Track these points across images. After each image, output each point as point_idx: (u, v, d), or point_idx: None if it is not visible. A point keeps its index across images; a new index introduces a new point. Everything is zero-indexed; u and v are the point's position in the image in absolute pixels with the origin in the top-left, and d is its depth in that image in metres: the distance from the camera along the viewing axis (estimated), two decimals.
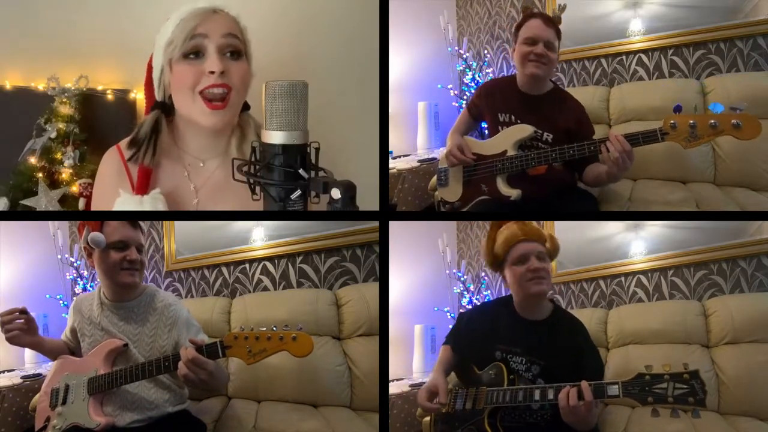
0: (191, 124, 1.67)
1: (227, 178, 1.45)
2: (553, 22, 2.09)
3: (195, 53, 1.58)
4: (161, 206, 1.64)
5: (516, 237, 1.84)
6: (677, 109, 1.79)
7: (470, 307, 2.80)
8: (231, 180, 1.44)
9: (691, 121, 1.75)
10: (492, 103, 2.19)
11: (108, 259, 1.86)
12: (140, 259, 1.90)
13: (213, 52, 1.57)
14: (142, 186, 1.68)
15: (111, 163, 1.75)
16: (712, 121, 1.73)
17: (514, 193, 2.07)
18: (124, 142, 1.75)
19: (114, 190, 1.68)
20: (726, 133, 1.73)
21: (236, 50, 1.60)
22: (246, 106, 1.74)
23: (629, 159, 1.86)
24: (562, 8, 2.13)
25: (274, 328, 1.63)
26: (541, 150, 2.03)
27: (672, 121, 1.78)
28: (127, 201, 1.65)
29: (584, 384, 1.57)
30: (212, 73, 1.56)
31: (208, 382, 1.69)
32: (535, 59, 2.06)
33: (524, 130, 2.08)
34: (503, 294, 2.77)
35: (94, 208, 1.85)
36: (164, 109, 1.70)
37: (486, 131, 2.36)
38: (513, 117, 2.13)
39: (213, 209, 1.73)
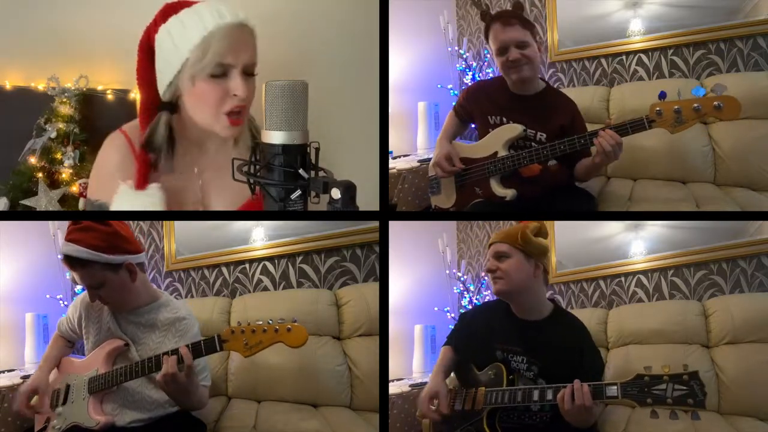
0: (204, 131, 1.71)
1: (227, 160, 1.46)
2: (515, 17, 2.04)
3: (221, 75, 1.60)
4: (158, 202, 1.65)
5: (490, 240, 1.88)
6: (662, 96, 1.81)
7: (471, 307, 2.80)
8: (231, 160, 1.46)
9: (676, 107, 1.78)
10: (481, 106, 2.18)
11: None
12: (96, 296, 1.85)
13: (237, 76, 1.60)
14: (143, 175, 1.69)
15: (116, 148, 1.74)
16: (696, 104, 1.76)
17: (508, 194, 2.06)
18: (129, 126, 1.75)
19: (114, 180, 1.67)
20: (709, 115, 1.77)
21: (252, 72, 1.65)
22: None
23: (619, 149, 1.86)
24: None
25: (270, 321, 1.69)
26: (532, 149, 2.02)
27: (657, 108, 1.80)
28: (124, 195, 1.65)
29: (584, 387, 1.56)
30: (235, 95, 1.60)
31: (176, 397, 1.77)
32: (513, 66, 2.04)
33: (514, 130, 2.07)
34: None
35: (90, 194, 1.80)
36: (171, 109, 1.71)
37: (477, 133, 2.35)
38: (504, 119, 2.11)
39: (215, 191, 1.78)
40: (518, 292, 1.85)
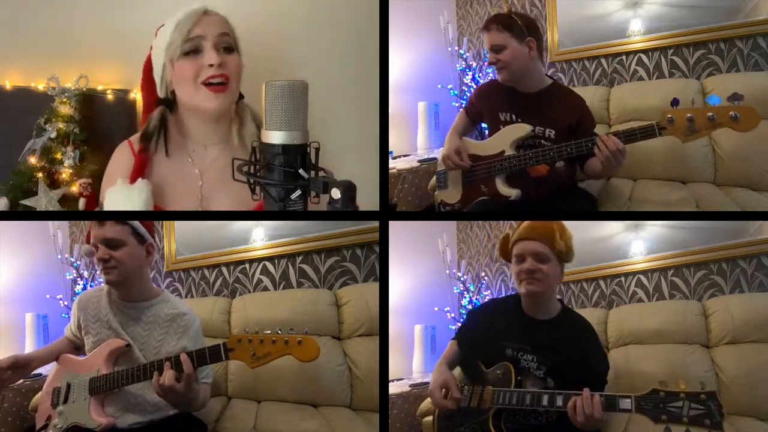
0: (194, 112, 1.80)
1: (230, 162, 1.47)
2: (495, 21, 2.05)
3: (194, 51, 1.72)
4: (144, 195, 1.74)
5: (520, 235, 1.84)
6: (674, 102, 1.77)
7: (473, 305, 2.80)
8: (231, 160, 1.48)
9: (689, 115, 1.73)
10: (491, 104, 2.19)
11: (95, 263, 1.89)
12: (109, 256, 1.82)
13: (210, 48, 1.72)
14: (138, 172, 1.79)
15: (121, 156, 1.87)
16: (710, 114, 1.71)
17: (513, 193, 2.07)
18: (135, 137, 1.86)
19: (116, 180, 1.77)
20: (724, 126, 1.71)
21: (229, 46, 1.76)
22: (240, 96, 1.84)
23: (622, 156, 1.85)
24: None
25: (279, 331, 1.61)
26: (539, 149, 2.02)
27: (669, 116, 1.76)
28: (116, 190, 1.76)
29: (596, 398, 1.56)
30: (211, 65, 1.71)
31: (175, 404, 1.75)
32: (495, 67, 2.09)
33: (522, 130, 2.07)
34: (503, 294, 2.78)
35: (100, 199, 1.88)
36: (167, 104, 1.83)
37: (487, 132, 2.36)
38: (514, 116, 2.12)
39: (217, 193, 1.81)
40: (548, 295, 1.85)
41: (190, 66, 1.72)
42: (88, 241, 1.90)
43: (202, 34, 1.72)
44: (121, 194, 1.75)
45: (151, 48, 1.84)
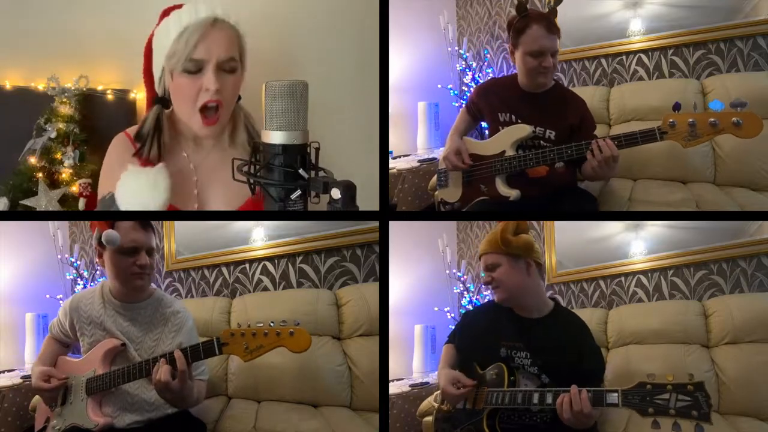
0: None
1: (223, 158, 1.46)
2: (555, 25, 2.05)
3: (195, 71, 1.65)
4: (163, 181, 1.67)
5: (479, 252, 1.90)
6: (676, 107, 1.76)
7: (471, 306, 2.80)
8: (226, 158, 1.47)
9: (691, 120, 1.72)
10: (492, 103, 2.19)
11: (118, 262, 1.85)
12: (150, 263, 1.87)
13: (210, 71, 1.64)
14: (146, 161, 1.74)
15: (120, 147, 1.80)
16: (712, 119, 1.70)
17: (512, 194, 2.07)
18: (131, 129, 1.82)
19: (122, 169, 1.70)
20: (726, 132, 1.70)
21: (232, 69, 1.68)
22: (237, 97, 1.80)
23: (614, 162, 1.86)
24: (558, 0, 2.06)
25: (272, 324, 1.64)
26: (539, 150, 2.02)
27: (671, 120, 1.75)
28: (133, 173, 1.68)
29: (583, 393, 1.56)
30: (208, 89, 1.64)
31: (171, 402, 1.76)
32: (544, 71, 2.05)
33: (522, 130, 2.08)
34: None
35: (100, 192, 1.83)
36: (164, 102, 1.79)
37: (487, 131, 2.36)
38: (514, 117, 2.12)
39: (213, 184, 1.78)
40: (519, 296, 1.86)
41: (189, 85, 1.66)
42: (110, 227, 1.83)
43: (206, 57, 1.63)
44: (142, 178, 1.66)
45: (152, 36, 1.76)
